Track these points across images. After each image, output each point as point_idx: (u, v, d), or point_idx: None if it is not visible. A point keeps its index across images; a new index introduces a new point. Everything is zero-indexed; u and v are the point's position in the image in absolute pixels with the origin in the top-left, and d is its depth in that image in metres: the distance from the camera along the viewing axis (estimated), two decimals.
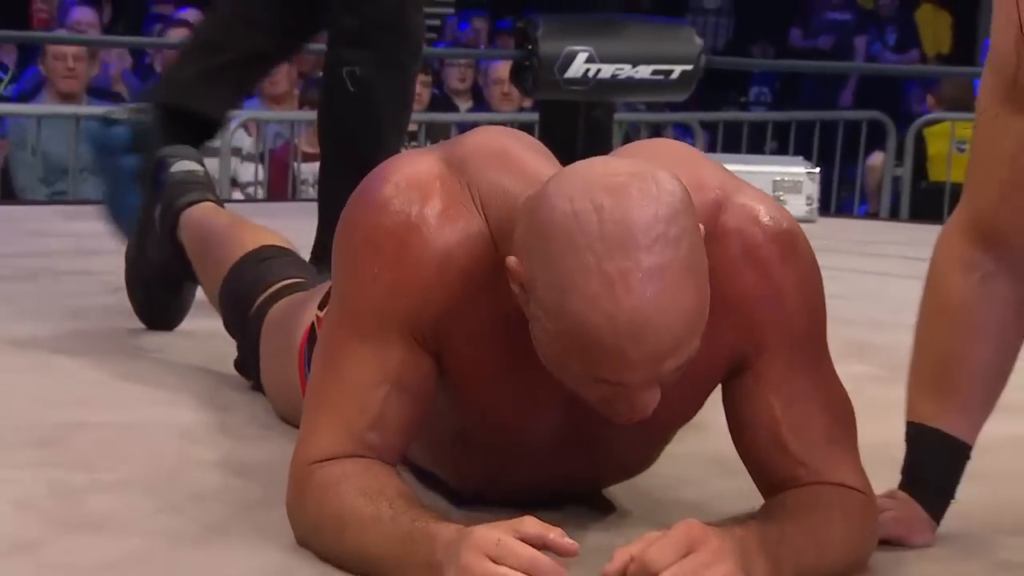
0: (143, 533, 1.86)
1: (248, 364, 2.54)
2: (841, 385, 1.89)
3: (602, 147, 5.66)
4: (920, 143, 7.19)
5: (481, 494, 2.00)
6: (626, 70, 5.41)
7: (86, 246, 4.25)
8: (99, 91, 6.97)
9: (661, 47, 5.54)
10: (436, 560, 1.63)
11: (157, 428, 2.38)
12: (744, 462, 1.90)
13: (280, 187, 6.66)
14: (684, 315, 1.59)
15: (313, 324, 2.17)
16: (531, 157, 1.82)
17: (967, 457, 1.97)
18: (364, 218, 1.78)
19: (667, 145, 1.97)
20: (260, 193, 6.60)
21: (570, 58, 5.33)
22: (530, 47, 5.39)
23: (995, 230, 1.93)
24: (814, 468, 1.83)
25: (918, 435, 1.98)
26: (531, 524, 1.60)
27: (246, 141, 6.71)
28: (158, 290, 2.99)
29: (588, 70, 5.34)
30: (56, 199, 6.11)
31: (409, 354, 1.77)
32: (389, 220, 1.75)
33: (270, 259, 2.59)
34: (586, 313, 1.57)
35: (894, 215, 6.87)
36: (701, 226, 1.64)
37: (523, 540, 1.59)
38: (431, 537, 1.65)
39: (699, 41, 5.67)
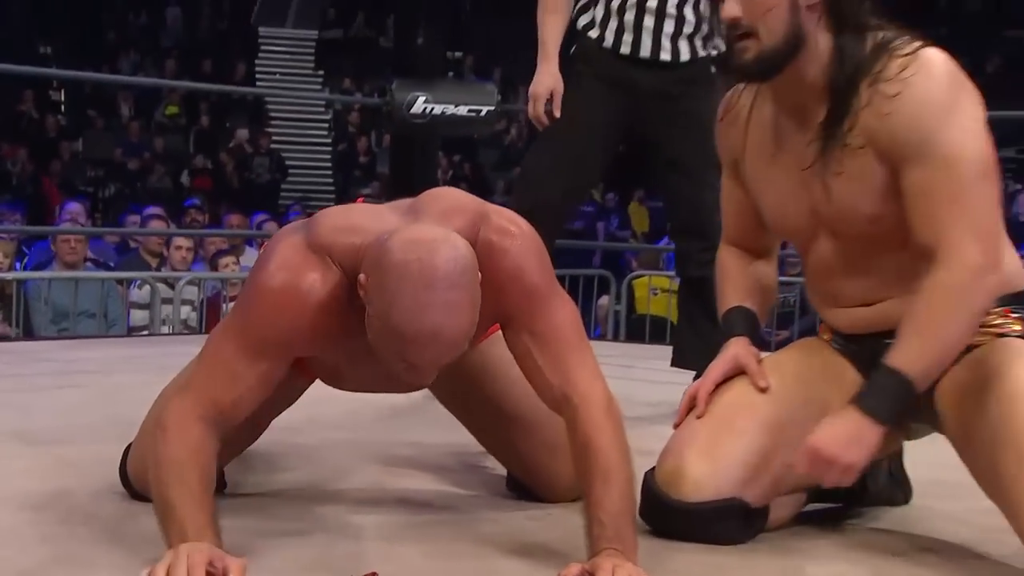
0: None
1: None
2: (568, 307, 1.90)
3: (429, 167, 6.48)
4: (630, 289, 7.29)
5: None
6: (450, 108, 5.73)
7: (78, 368, 4.12)
8: (93, 261, 6.78)
9: (473, 95, 5.90)
10: (170, 543, 1.64)
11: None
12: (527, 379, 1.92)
13: (213, 321, 6.49)
14: (462, 331, 1.66)
15: None
16: (364, 219, 1.87)
17: None
18: (265, 283, 1.83)
19: (451, 195, 1.95)
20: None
21: (413, 100, 5.69)
22: (387, 96, 5.77)
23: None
24: (560, 383, 1.86)
25: None
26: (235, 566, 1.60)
27: (192, 292, 6.55)
28: None
29: (425, 108, 5.70)
30: (60, 335, 5.90)
31: (272, 367, 1.83)
32: (279, 287, 1.82)
33: None
34: (402, 322, 1.64)
35: (615, 337, 6.94)
36: (479, 274, 1.71)
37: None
38: (179, 531, 1.64)
39: (497, 95, 6.08)
